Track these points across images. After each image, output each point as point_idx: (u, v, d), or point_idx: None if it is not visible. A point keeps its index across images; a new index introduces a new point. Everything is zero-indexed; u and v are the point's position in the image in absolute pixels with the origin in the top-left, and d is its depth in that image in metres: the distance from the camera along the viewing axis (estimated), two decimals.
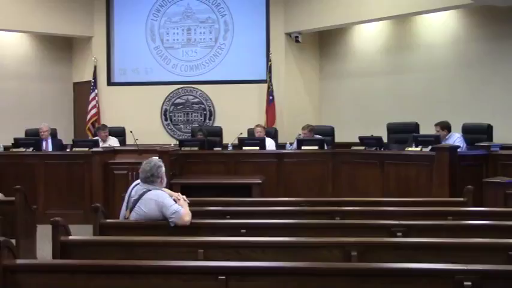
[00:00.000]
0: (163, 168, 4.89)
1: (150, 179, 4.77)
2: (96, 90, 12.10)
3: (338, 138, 10.06)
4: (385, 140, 9.15)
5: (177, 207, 4.65)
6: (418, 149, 7.88)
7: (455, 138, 8.26)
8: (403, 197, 6.97)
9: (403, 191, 7.57)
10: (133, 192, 4.82)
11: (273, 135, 10.16)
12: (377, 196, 7.60)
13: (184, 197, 4.94)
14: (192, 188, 7.55)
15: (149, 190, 4.74)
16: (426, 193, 7.23)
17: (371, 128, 9.72)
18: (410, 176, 7.66)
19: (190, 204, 4.83)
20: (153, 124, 12.06)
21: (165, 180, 4.93)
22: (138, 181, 4.88)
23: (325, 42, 12.22)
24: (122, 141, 10.32)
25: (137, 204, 4.71)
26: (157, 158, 5.65)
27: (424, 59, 10.52)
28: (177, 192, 5.11)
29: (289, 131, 10.93)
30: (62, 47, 12.75)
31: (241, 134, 9.67)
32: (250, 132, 10.09)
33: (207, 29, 12.26)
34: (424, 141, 7.97)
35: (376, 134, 8.95)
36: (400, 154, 8.11)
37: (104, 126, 10.36)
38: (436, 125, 8.53)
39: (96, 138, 10.08)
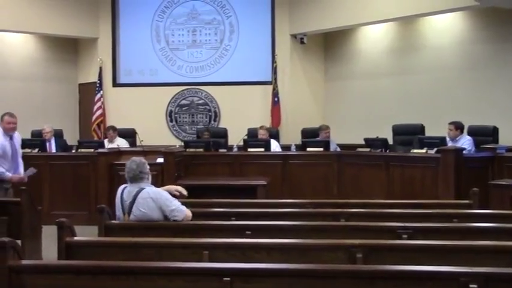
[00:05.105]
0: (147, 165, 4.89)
1: (139, 176, 4.73)
2: (101, 91, 12.13)
3: (343, 140, 10.04)
4: (390, 141, 9.14)
5: (177, 203, 4.66)
6: (424, 150, 7.87)
7: (465, 141, 8.21)
8: (408, 199, 6.95)
9: (409, 193, 7.56)
10: (125, 196, 4.76)
11: (275, 135, 10.16)
12: (382, 198, 7.59)
13: (180, 188, 5.00)
14: (197, 189, 7.54)
15: (142, 188, 4.70)
16: (432, 195, 7.22)
17: (376, 129, 9.70)
18: (415, 178, 7.65)
19: (195, 206, 4.84)
20: (158, 125, 12.08)
21: (150, 177, 4.92)
22: (125, 185, 4.84)
23: (330, 44, 12.22)
24: (132, 143, 10.30)
25: (134, 206, 4.67)
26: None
27: (429, 61, 10.51)
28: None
29: (294, 133, 10.91)
30: (67, 48, 12.79)
31: (246, 135, 9.67)
32: (251, 131, 10.09)
33: (213, 30, 12.28)
34: (429, 143, 7.95)
35: (381, 135, 8.95)
36: (405, 156, 8.10)
37: (112, 127, 10.35)
38: (451, 123, 8.41)
39: (102, 140, 10.10)
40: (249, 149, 9.07)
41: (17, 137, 7.21)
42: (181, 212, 4.68)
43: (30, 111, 11.70)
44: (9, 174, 6.84)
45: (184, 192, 5.26)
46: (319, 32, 11.79)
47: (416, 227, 4.45)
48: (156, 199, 4.65)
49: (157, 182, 7.09)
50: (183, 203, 4.83)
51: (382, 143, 8.62)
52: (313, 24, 11.52)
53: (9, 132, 6.99)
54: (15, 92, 11.81)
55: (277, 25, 11.89)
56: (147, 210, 4.64)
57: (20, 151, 7.23)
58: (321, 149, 8.96)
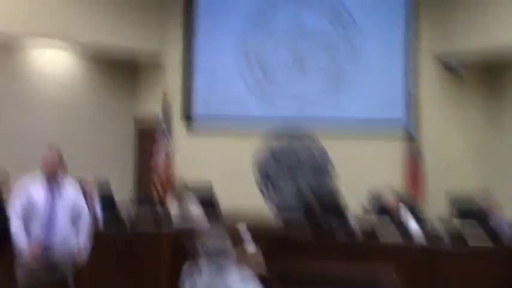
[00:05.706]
0: None
1: (223, 253, 4.67)
2: (166, 129, 12.23)
3: None
4: None
5: None
6: None
7: None
8: None
9: None
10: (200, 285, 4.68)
11: (411, 207, 9.90)
12: None
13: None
14: (299, 280, 7.42)
15: (227, 272, 4.61)
16: None
17: None
18: None
19: None
20: (241, 182, 12.11)
21: None
22: (195, 267, 4.75)
23: (496, 76, 11.98)
24: (208, 203, 10.25)
25: None
26: None
27: None
28: None
29: (436, 200, 10.74)
30: (122, 69, 13.21)
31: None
32: (372, 196, 10.06)
33: (323, 49, 12.26)
34: None
35: None
36: None
37: (184, 186, 10.34)
38: None
39: (164, 199, 10.21)
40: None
41: (70, 191, 6.69)
42: None
43: (66, 152, 11.84)
44: (23, 244, 6.25)
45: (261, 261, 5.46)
46: (479, 57, 11.57)
47: None
48: None
49: None
50: None
51: None
52: (470, 46, 11.36)
53: (48, 175, 6.56)
54: (48, 124, 12.15)
55: (417, 45, 11.83)
56: None
57: (71, 213, 6.56)
58: (489, 244, 8.60)
